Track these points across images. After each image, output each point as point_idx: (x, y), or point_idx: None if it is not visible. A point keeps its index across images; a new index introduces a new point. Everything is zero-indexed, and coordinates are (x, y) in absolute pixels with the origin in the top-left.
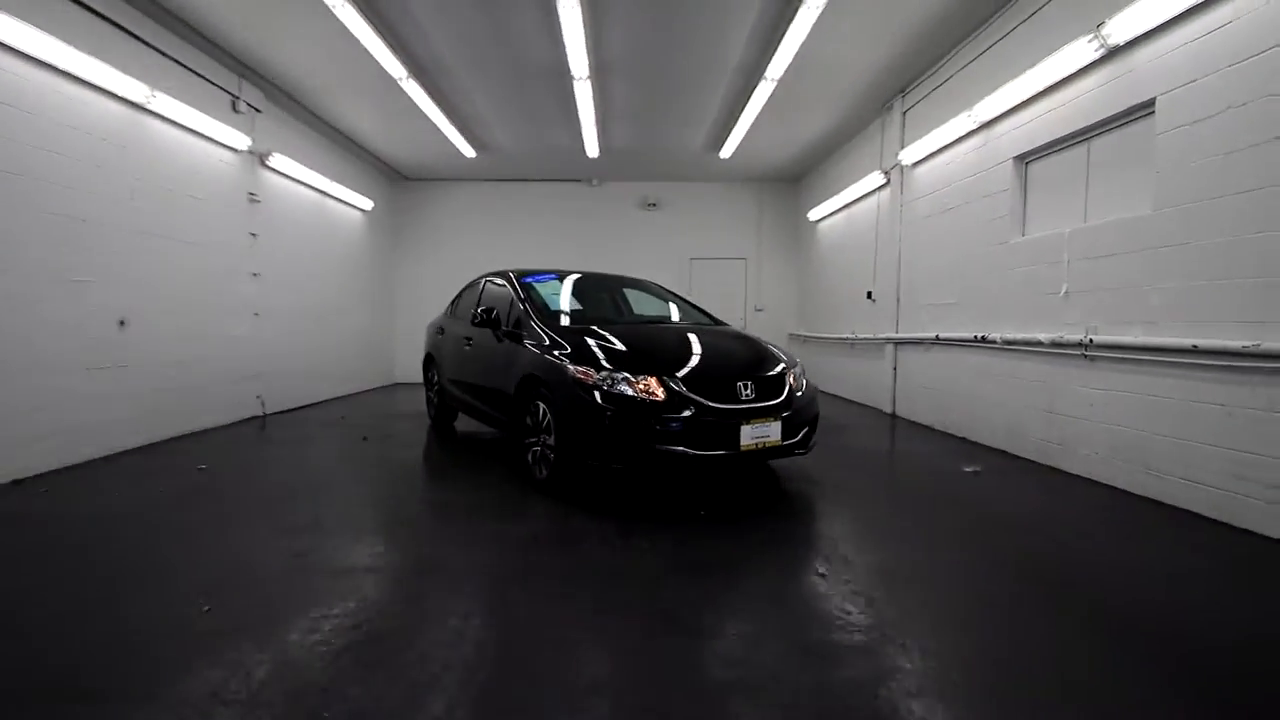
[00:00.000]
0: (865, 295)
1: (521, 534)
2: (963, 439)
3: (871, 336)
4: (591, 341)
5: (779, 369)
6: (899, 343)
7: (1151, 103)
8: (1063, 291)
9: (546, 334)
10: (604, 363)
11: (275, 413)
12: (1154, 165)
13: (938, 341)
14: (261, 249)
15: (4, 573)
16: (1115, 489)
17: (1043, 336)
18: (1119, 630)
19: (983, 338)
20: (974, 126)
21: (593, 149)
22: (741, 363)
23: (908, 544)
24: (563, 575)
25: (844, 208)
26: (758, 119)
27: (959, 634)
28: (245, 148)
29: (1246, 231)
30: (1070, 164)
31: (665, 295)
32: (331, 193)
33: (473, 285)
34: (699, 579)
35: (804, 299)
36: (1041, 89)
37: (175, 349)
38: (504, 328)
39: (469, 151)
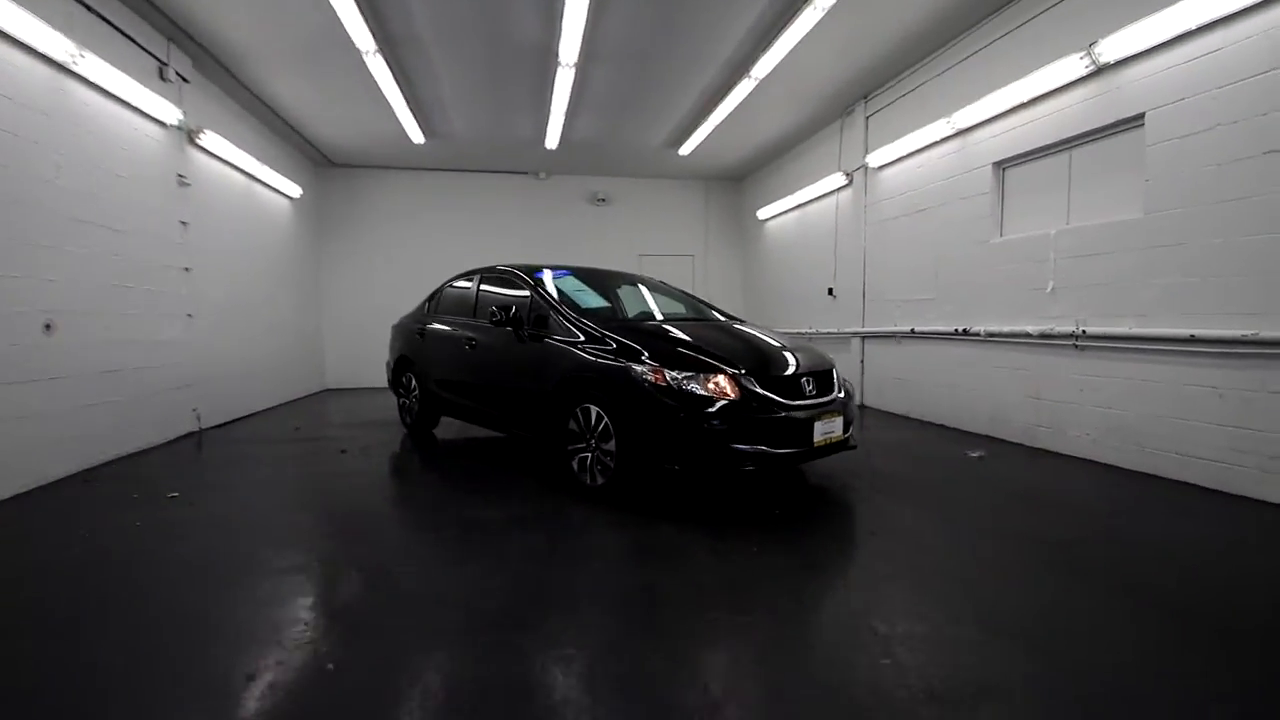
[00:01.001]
0: (826, 292)
1: (615, 548)
2: (942, 426)
3: (836, 331)
4: (654, 340)
5: (829, 365)
6: (866, 336)
7: (1140, 117)
8: (1049, 288)
9: (594, 333)
10: (675, 361)
11: (213, 427)
12: (1144, 173)
13: (913, 335)
14: (193, 240)
15: None
16: (1110, 466)
17: (1031, 329)
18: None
19: (965, 330)
20: (951, 133)
21: (553, 140)
22: (798, 359)
23: (980, 525)
24: (701, 590)
25: (798, 207)
26: (726, 118)
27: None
28: (175, 121)
29: (1239, 235)
30: (1051, 170)
31: (676, 292)
32: (260, 177)
33: (459, 282)
34: (832, 577)
35: (752, 296)
36: (1026, 100)
37: (105, 356)
38: (527, 328)
39: (418, 137)
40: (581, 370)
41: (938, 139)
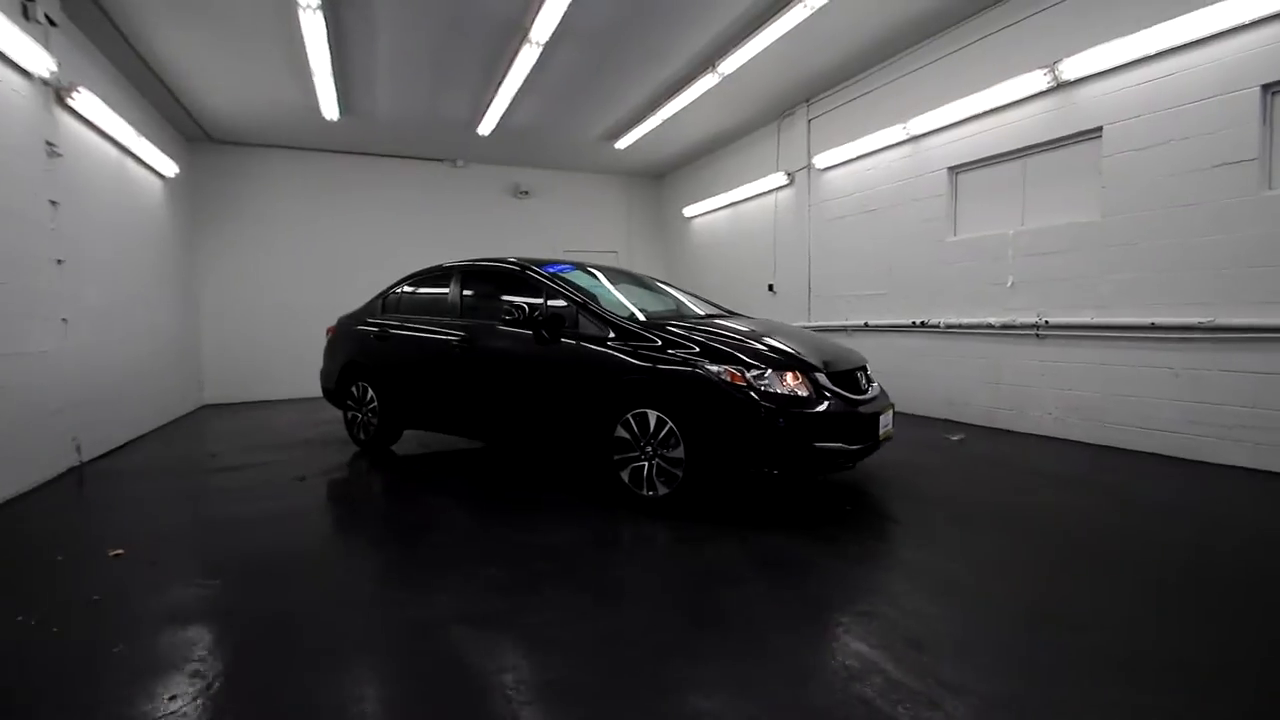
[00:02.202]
0: (766, 288)
1: (722, 565)
2: (901, 412)
3: None
4: (716, 338)
5: (864, 359)
6: (813, 330)
7: (1099, 130)
8: (1010, 283)
9: (637, 332)
10: (749, 360)
11: (97, 458)
12: (1101, 181)
13: (867, 328)
14: (65, 225)
15: None
16: (1075, 441)
17: (994, 320)
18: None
19: (923, 323)
20: (905, 138)
21: (488, 126)
22: (847, 355)
23: (1020, 503)
24: (850, 601)
25: (730, 205)
26: (668, 114)
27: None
28: (46, 73)
29: (1192, 236)
30: (1005, 176)
31: (671, 289)
32: (135, 150)
33: (428, 278)
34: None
35: None
36: (985, 110)
37: None
38: (548, 329)
39: (331, 112)
40: (636, 374)
41: (891, 143)
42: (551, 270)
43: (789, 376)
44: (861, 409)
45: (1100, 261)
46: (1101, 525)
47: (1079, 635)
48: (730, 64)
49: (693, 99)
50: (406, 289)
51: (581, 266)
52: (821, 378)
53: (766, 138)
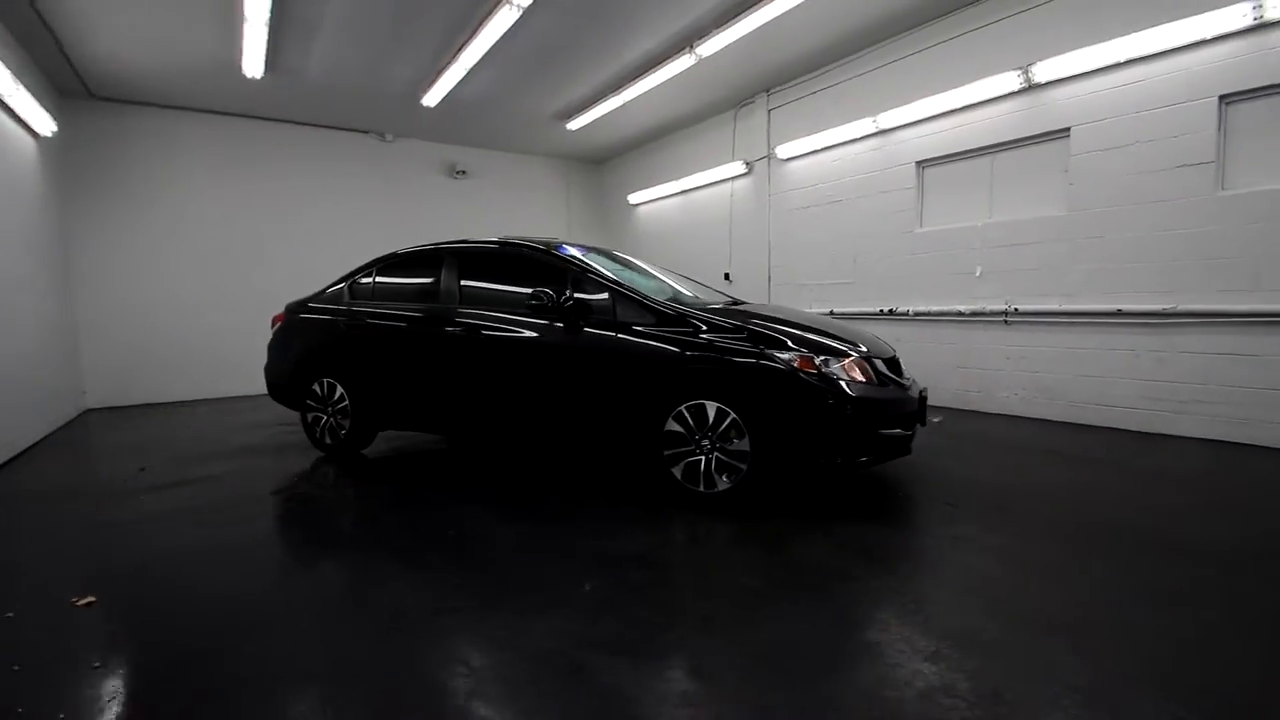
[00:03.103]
0: (722, 276)
1: (825, 560)
2: None
3: None
4: (769, 324)
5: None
6: None
7: (1066, 130)
8: (978, 272)
9: (692, 321)
10: (813, 346)
11: None
12: (1068, 178)
13: (832, 315)
14: None
15: None
16: (1040, 420)
17: (963, 308)
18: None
19: (891, 311)
20: (874, 131)
21: (436, 96)
22: (876, 340)
23: (1044, 482)
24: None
25: (682, 193)
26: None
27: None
28: None
29: (1155, 230)
30: (972, 171)
31: (666, 273)
32: (7, 100)
33: (410, 261)
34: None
35: None
36: (957, 107)
37: None
38: (583, 318)
39: (255, 69)
40: (694, 364)
41: (859, 136)
42: (571, 252)
43: (851, 363)
44: (910, 392)
45: (1067, 253)
46: (1127, 497)
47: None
48: (710, 46)
49: (663, 80)
50: (383, 273)
51: (588, 249)
52: (880, 364)
53: (721, 126)
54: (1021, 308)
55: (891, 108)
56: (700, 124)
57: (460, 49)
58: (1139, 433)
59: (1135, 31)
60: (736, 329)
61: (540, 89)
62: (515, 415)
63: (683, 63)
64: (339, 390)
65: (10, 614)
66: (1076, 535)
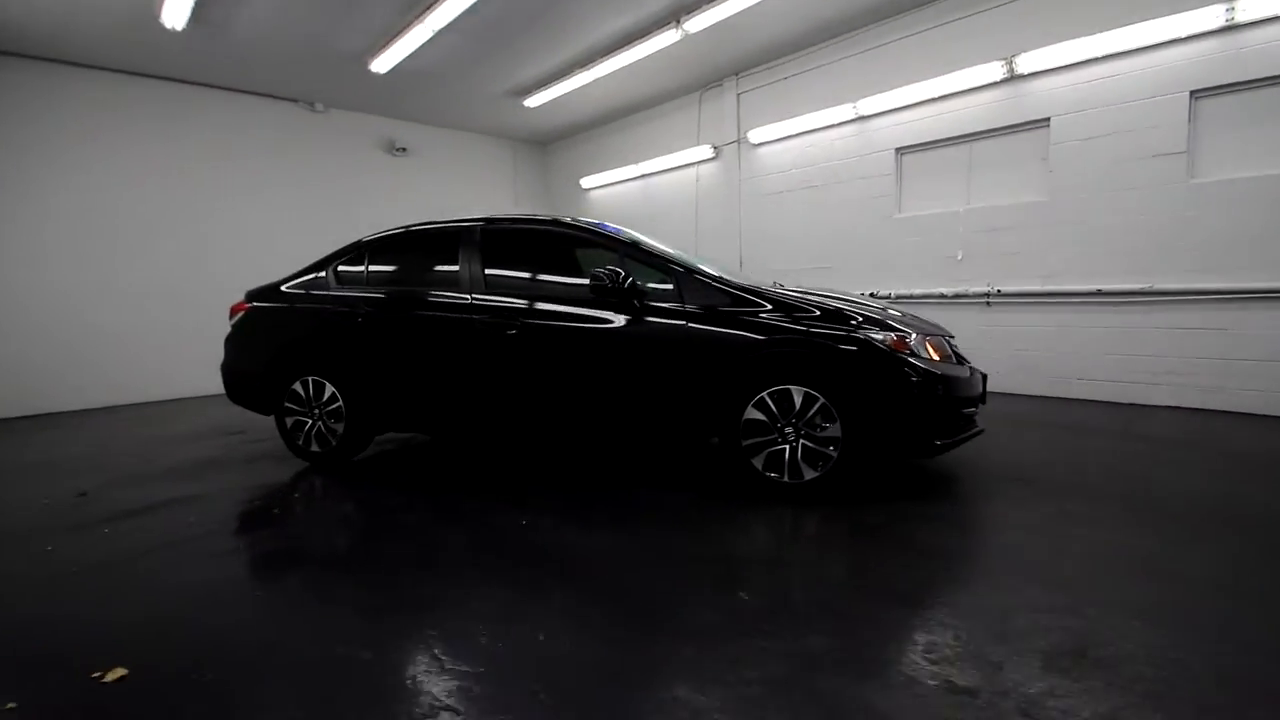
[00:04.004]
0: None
1: (963, 549)
2: None
3: None
4: (840, 305)
5: None
6: None
7: (1046, 120)
8: (960, 256)
9: (761, 301)
10: (901, 327)
11: None
12: (1048, 165)
13: None
14: None
15: None
16: (1026, 395)
17: (945, 290)
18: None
19: (873, 294)
20: (853, 117)
21: (388, 63)
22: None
23: (1054, 444)
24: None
25: (642, 177)
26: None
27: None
28: None
29: (1131, 216)
30: (951, 158)
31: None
32: None
33: (412, 241)
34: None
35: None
36: (937, 95)
37: None
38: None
39: (178, 20)
40: (780, 346)
41: (837, 122)
42: (618, 231)
43: (933, 343)
44: (976, 372)
45: (1047, 237)
46: (1163, 464)
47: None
48: (699, 22)
49: (643, 56)
50: (378, 255)
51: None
52: (955, 343)
53: (684, 109)
54: (1003, 289)
55: (871, 94)
56: (661, 106)
57: (427, 8)
58: (1117, 404)
59: (1114, 28)
60: (810, 309)
61: (501, 61)
62: (565, 410)
63: (666, 38)
64: (329, 390)
65: (12, 704)
66: (1155, 504)
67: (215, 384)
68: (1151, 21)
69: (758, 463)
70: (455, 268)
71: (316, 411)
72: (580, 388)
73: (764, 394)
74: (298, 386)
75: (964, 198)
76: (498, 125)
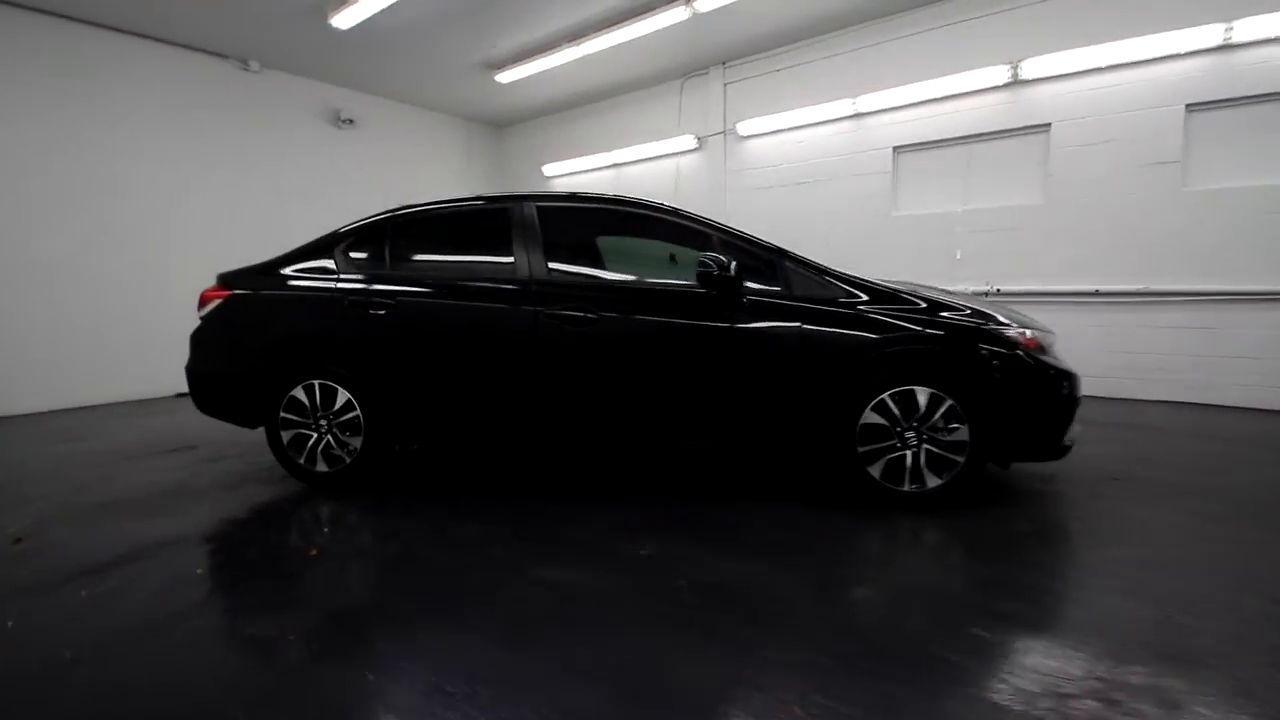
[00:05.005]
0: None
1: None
2: None
3: None
4: (943, 296)
5: None
6: None
7: (1047, 125)
8: (959, 255)
9: (863, 291)
10: (1019, 321)
11: None
12: (1046, 170)
13: None
14: None
15: None
16: None
17: (948, 289)
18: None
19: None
20: (850, 114)
21: (353, 18)
22: None
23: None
24: None
25: (614, 166)
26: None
27: None
28: None
29: (1126, 220)
30: (949, 159)
31: None
32: None
33: (443, 220)
34: None
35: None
36: (941, 96)
37: None
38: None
39: None
40: (916, 342)
41: (832, 118)
42: (688, 212)
43: (1050, 340)
44: None
45: (1044, 239)
46: (1202, 457)
47: None
48: (711, 1)
49: (643, 34)
50: (400, 236)
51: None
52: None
53: (663, 96)
54: (1003, 289)
55: (868, 92)
56: (637, 92)
57: None
58: (1107, 398)
59: (1118, 39)
60: (918, 302)
61: (484, 25)
62: (650, 414)
63: (673, 15)
64: (342, 396)
65: None
66: (1229, 497)
67: (139, 387)
68: (1153, 35)
69: (875, 471)
70: (510, 253)
71: (324, 423)
72: (672, 390)
73: (885, 395)
74: (299, 393)
75: (962, 198)
76: (454, 102)
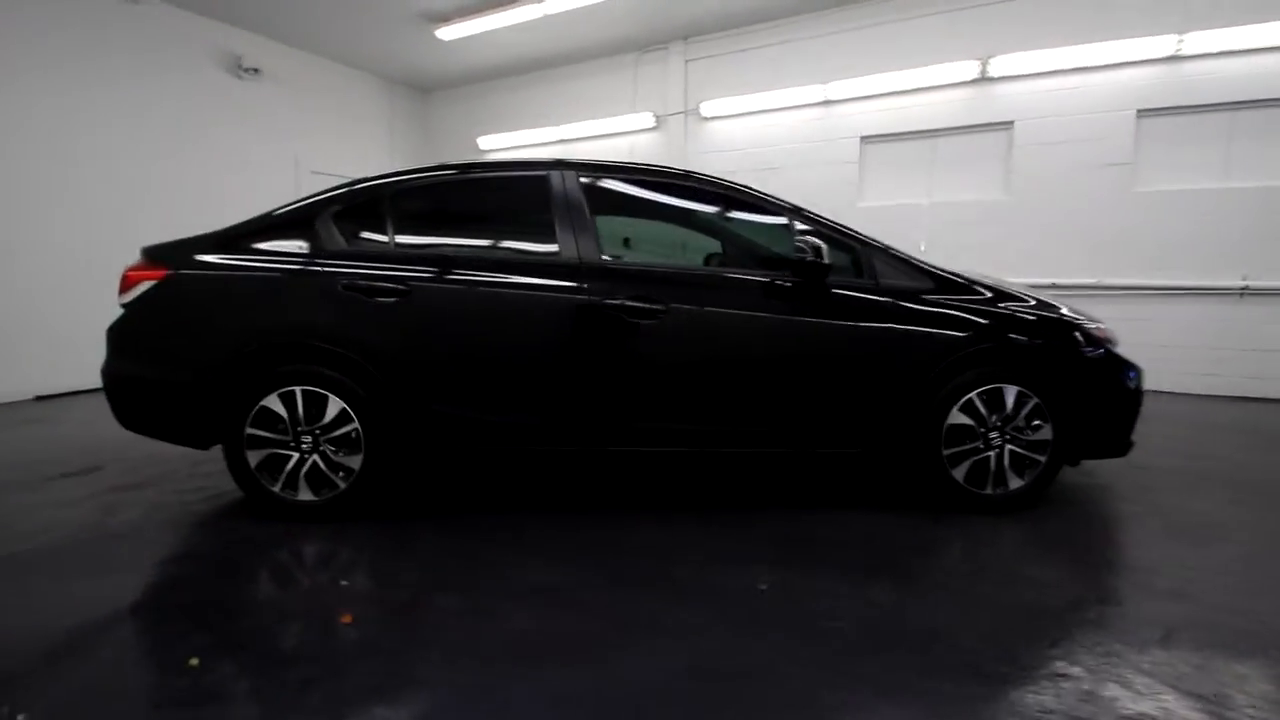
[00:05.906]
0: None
1: None
2: None
3: None
4: (1003, 287)
5: None
6: None
7: (1010, 123)
8: (922, 247)
9: (939, 281)
10: (1080, 313)
11: None
12: (1009, 166)
13: None
14: None
15: None
16: None
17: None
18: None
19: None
20: (820, 100)
21: None
22: None
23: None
24: None
25: (560, 143)
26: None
27: None
28: None
29: (1083, 217)
30: (914, 151)
31: None
32: None
33: (478, 188)
34: None
35: None
36: (912, 87)
37: None
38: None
39: None
40: (995, 338)
41: (802, 103)
42: (761, 192)
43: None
44: None
45: (1005, 232)
46: (1207, 443)
47: None
48: None
49: None
50: (402, 205)
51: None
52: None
53: (614, 70)
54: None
55: (838, 78)
56: (588, 63)
57: None
58: None
59: (1080, 44)
60: (1003, 296)
61: None
62: (728, 419)
63: None
64: (335, 406)
65: None
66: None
67: None
68: (1113, 42)
69: (959, 474)
70: (551, 233)
71: (310, 440)
72: (754, 390)
73: (973, 394)
74: (274, 403)
75: (926, 191)
76: (375, 58)
